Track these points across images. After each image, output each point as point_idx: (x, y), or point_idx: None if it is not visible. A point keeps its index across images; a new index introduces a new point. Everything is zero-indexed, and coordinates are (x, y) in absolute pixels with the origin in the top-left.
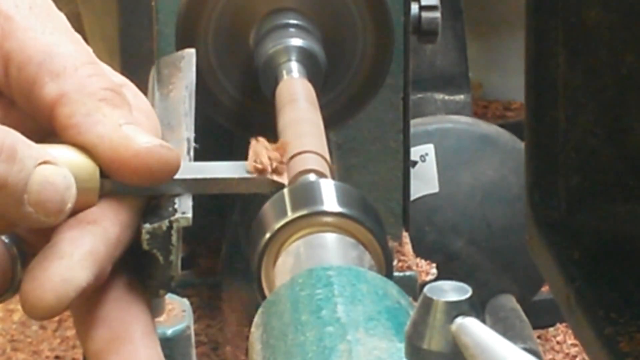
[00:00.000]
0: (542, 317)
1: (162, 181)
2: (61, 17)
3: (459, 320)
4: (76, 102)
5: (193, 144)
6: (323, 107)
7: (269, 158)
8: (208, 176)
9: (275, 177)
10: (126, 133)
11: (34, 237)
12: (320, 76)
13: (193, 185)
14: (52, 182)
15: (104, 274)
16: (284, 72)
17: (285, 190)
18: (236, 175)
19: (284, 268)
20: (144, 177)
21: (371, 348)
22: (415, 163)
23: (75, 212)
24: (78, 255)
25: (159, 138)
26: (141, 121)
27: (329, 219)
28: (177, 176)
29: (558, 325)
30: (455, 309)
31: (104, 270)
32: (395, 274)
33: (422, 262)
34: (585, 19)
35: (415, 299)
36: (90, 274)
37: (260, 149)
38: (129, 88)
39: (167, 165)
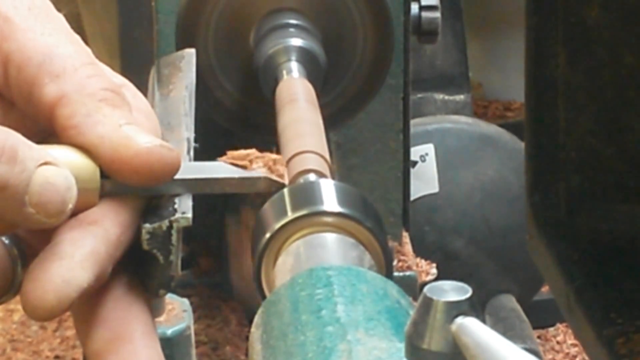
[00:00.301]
0: (542, 317)
1: (162, 181)
2: (60, 18)
3: (459, 320)
4: (76, 103)
5: (193, 144)
6: (323, 107)
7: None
8: (208, 176)
9: (274, 177)
10: (126, 133)
11: (34, 238)
12: (320, 76)
13: (193, 185)
14: (53, 183)
15: (104, 274)
16: (284, 72)
17: (285, 190)
18: (236, 175)
19: (284, 268)
20: (144, 177)
21: (371, 348)
22: (415, 163)
23: (75, 212)
24: (79, 256)
25: (159, 138)
26: (141, 121)
27: (329, 219)
28: (177, 176)
29: (558, 325)
30: (455, 309)
31: (105, 270)
32: (395, 274)
33: (422, 262)
34: (585, 19)
35: (415, 299)
36: (91, 275)
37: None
38: (128, 88)
39: (167, 165)
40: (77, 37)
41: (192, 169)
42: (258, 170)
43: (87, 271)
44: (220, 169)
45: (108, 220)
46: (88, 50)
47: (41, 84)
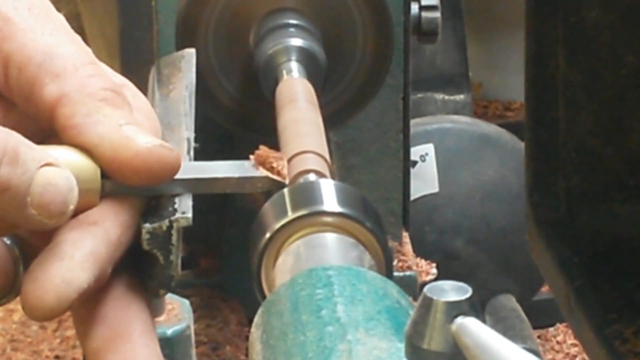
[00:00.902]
0: (542, 317)
1: (162, 181)
2: (60, 17)
3: (459, 320)
4: (77, 103)
5: (193, 144)
6: (323, 107)
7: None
8: (208, 176)
9: (275, 177)
10: (127, 133)
11: (35, 238)
12: (320, 76)
13: (193, 185)
14: (54, 184)
15: (104, 275)
16: (284, 72)
17: (285, 190)
18: (236, 175)
19: (284, 268)
20: (144, 177)
21: (371, 348)
22: (415, 163)
23: (76, 213)
24: (79, 256)
25: (159, 138)
26: (141, 121)
27: (329, 219)
28: (177, 176)
29: (558, 325)
30: (455, 309)
31: (105, 271)
32: (395, 274)
33: (422, 262)
34: (585, 19)
35: (415, 299)
36: (91, 275)
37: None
38: (129, 88)
39: (167, 165)
40: (78, 37)
41: (192, 169)
42: (258, 170)
43: (87, 272)
44: (220, 168)
45: (108, 220)
46: (88, 50)
47: (41, 84)
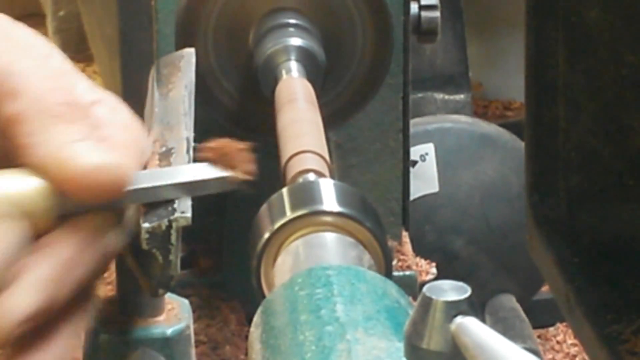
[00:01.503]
0: (542, 317)
1: (113, 196)
2: (22, 33)
3: (458, 319)
4: (31, 121)
5: (192, 144)
6: (323, 107)
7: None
8: (169, 182)
9: (234, 174)
10: (74, 151)
11: None
12: (320, 76)
13: (151, 194)
14: None
15: (60, 296)
16: (284, 72)
17: (285, 190)
18: (198, 178)
19: (283, 267)
20: (94, 195)
21: (370, 347)
22: (415, 163)
23: (37, 236)
24: (26, 281)
25: (141, 150)
26: (109, 135)
27: (328, 219)
28: (137, 185)
29: (558, 325)
30: (455, 309)
31: (60, 292)
32: (395, 273)
33: (422, 262)
34: (585, 19)
35: (414, 299)
36: (38, 300)
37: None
38: (104, 103)
39: (115, 181)
40: (43, 50)
41: (149, 177)
42: (222, 169)
43: (33, 297)
44: (184, 172)
45: (62, 241)
46: (58, 60)
47: (0, 103)
